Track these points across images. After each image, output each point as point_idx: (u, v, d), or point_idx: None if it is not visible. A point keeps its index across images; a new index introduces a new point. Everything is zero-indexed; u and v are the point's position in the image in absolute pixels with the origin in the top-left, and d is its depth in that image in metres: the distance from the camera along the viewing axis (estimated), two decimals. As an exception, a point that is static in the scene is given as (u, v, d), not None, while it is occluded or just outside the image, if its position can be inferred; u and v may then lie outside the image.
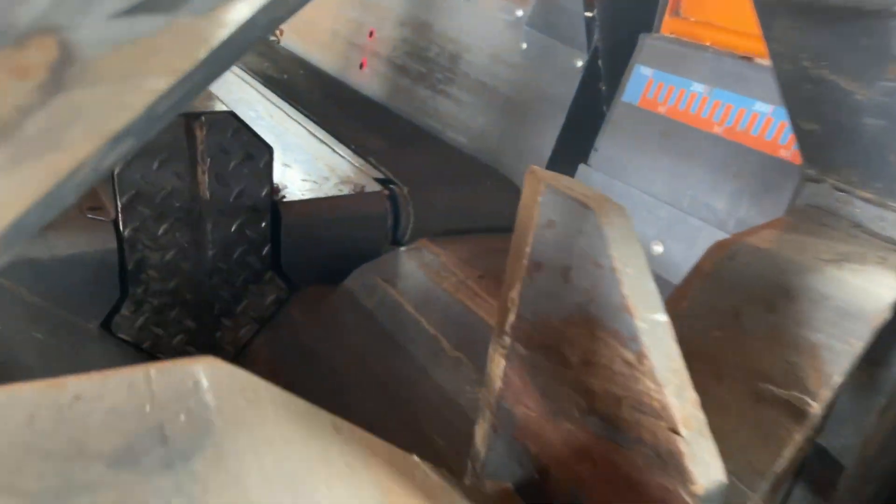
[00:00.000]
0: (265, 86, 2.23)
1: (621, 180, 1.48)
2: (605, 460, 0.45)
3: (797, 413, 0.50)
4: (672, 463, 0.40)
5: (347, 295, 1.39)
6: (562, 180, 0.46)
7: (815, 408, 0.50)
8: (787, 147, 1.22)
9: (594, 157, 1.54)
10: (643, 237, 1.43)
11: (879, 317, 0.54)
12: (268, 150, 1.31)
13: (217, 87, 2.16)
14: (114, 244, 1.21)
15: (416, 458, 0.50)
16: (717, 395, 0.55)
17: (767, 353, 0.54)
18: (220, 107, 1.28)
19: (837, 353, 0.52)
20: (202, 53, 0.20)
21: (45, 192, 0.21)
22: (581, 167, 1.55)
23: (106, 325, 1.26)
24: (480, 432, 0.57)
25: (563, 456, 0.48)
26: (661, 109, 1.42)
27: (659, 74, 1.43)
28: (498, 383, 0.55)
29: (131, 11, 0.19)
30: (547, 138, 1.68)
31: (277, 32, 3.17)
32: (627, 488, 0.43)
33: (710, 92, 1.35)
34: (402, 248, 1.45)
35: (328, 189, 1.48)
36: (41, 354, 1.02)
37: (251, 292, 1.39)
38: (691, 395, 0.41)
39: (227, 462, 0.29)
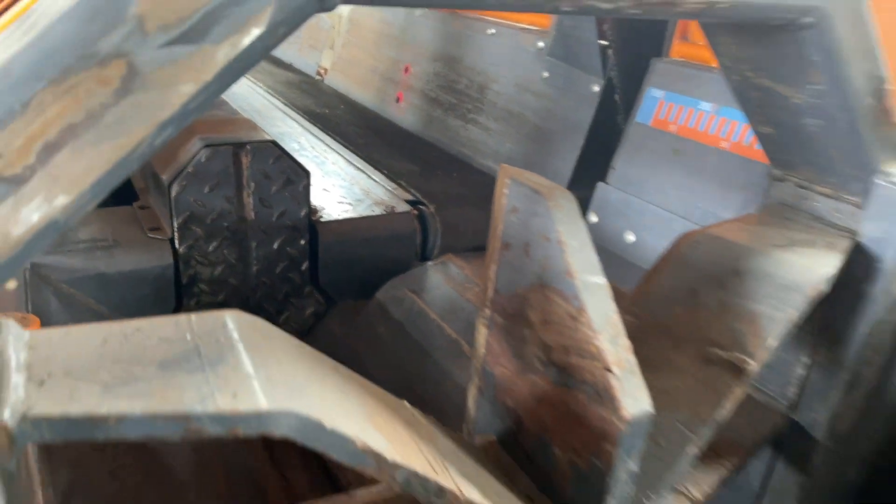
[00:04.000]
0: (308, 120, 2.40)
1: (638, 196, 1.55)
2: (561, 402, 0.54)
3: (737, 370, 0.58)
4: (607, 397, 0.49)
5: (379, 307, 1.50)
6: (524, 175, 0.56)
7: (753, 365, 0.57)
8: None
9: (612, 176, 1.63)
10: (661, 249, 1.49)
11: (816, 289, 0.61)
12: (306, 174, 1.44)
13: (264, 122, 2.34)
14: (171, 260, 1.35)
15: (406, 403, 0.59)
16: (675, 360, 0.63)
17: (716, 323, 0.62)
18: (264, 137, 1.42)
19: (775, 320, 0.59)
20: (218, 68, 0.31)
21: (115, 163, 0.33)
22: (600, 185, 1.64)
23: (163, 334, 1.40)
24: (471, 395, 0.66)
25: (531, 405, 0.57)
26: (672, 128, 1.50)
27: (670, 95, 1.51)
28: (481, 350, 0.64)
29: (171, 42, 0.30)
30: (569, 160, 1.77)
31: (322, 71, 3.37)
32: (577, 423, 0.52)
33: (717, 110, 1.42)
34: (430, 263, 1.55)
35: (362, 210, 1.60)
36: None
37: (292, 305, 1.52)
38: (624, 342, 0.50)
39: (243, 368, 0.40)
